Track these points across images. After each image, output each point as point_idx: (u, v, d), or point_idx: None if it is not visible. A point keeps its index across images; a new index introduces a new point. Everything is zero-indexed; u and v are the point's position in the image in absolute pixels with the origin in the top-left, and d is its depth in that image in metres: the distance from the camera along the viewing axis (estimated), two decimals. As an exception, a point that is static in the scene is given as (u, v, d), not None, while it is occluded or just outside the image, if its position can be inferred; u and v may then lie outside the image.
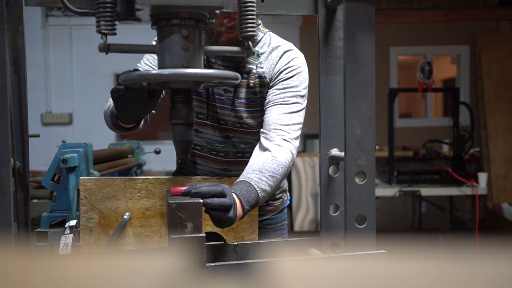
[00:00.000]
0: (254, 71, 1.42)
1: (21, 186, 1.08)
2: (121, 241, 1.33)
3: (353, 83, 0.97)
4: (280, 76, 1.39)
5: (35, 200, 2.29)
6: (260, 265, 0.97)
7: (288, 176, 1.38)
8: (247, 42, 0.97)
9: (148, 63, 1.45)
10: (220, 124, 1.48)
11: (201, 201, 0.97)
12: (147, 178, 1.35)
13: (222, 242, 1.14)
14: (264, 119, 1.38)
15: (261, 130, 1.36)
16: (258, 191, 1.18)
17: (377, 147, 5.23)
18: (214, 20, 0.95)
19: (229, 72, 0.94)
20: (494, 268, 0.34)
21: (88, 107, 5.96)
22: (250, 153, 1.35)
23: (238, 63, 1.44)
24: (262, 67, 1.42)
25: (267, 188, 1.21)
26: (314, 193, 5.50)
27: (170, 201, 0.94)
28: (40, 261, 0.35)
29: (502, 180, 5.63)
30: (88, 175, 1.54)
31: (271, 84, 1.41)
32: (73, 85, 6.08)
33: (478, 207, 4.09)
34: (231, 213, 1.06)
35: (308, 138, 5.58)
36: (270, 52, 1.43)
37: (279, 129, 1.33)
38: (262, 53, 1.43)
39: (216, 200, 1.03)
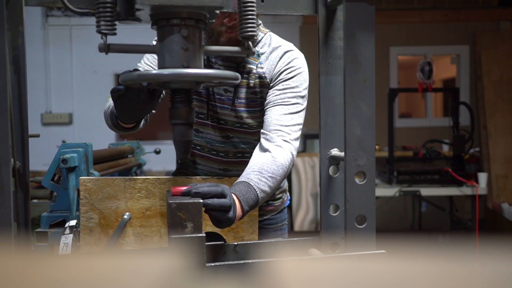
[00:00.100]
0: (254, 71, 1.42)
1: (21, 186, 1.08)
2: (121, 241, 1.33)
3: (353, 83, 0.97)
4: (281, 77, 1.39)
5: (35, 200, 2.29)
6: (260, 265, 0.97)
7: (288, 176, 1.38)
8: (247, 42, 0.97)
9: (148, 63, 1.45)
10: (220, 124, 1.48)
11: (201, 201, 0.97)
12: (147, 178, 1.35)
13: (222, 242, 1.14)
14: (264, 120, 1.38)
15: (261, 130, 1.36)
16: (258, 192, 1.18)
17: (377, 147, 5.23)
18: (214, 20, 0.95)
19: (229, 72, 0.94)
20: (494, 268, 0.34)
21: (88, 107, 5.96)
22: (250, 153, 1.35)
23: (238, 63, 1.43)
24: (262, 67, 1.42)
25: (267, 189, 1.22)
26: (314, 193, 5.50)
27: (170, 201, 0.94)
28: (40, 261, 0.35)
29: (502, 180, 5.63)
30: (88, 175, 1.54)
31: (271, 84, 1.41)
32: (73, 85, 6.09)
33: (478, 207, 4.09)
34: (230, 214, 1.06)
35: (308, 138, 5.58)
36: (271, 53, 1.43)
37: (279, 130, 1.33)
38: (262, 53, 1.43)
39: (216, 201, 1.03)
